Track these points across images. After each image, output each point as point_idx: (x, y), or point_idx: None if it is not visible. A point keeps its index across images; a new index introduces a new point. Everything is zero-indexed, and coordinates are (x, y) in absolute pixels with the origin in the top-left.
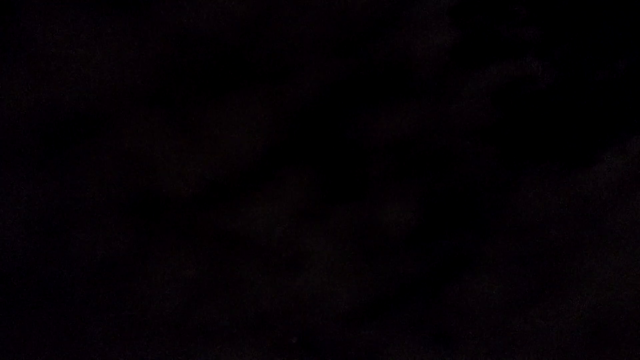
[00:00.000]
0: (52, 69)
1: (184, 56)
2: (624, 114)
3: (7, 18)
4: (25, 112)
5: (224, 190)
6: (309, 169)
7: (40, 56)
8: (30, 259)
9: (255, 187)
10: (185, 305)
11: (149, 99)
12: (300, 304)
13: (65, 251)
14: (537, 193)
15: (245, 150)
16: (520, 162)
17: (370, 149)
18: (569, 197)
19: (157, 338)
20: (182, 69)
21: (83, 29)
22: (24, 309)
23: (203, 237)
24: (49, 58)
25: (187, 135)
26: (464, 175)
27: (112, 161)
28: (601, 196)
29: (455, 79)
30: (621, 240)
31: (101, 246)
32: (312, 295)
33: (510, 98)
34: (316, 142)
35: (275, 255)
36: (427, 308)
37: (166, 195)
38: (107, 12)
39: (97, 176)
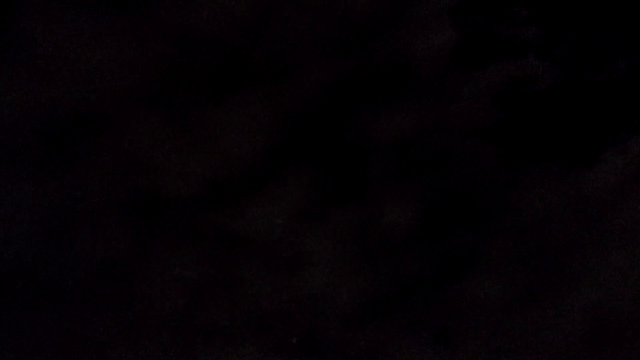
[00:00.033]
0: (52, 69)
1: (184, 56)
2: (624, 114)
3: (7, 18)
4: (25, 112)
5: (224, 190)
6: (309, 169)
7: (40, 56)
8: (31, 259)
9: (255, 187)
10: (186, 305)
11: (149, 99)
12: (301, 304)
13: (65, 251)
14: (537, 193)
15: (245, 150)
16: (520, 162)
17: (371, 149)
18: (569, 197)
19: (157, 338)
20: (182, 69)
21: (83, 29)
22: (24, 309)
23: (203, 237)
24: (49, 58)
25: (187, 135)
26: (464, 176)
27: (112, 161)
28: (601, 196)
29: (456, 79)
30: (621, 240)
31: (102, 246)
32: (312, 296)
33: (510, 98)
34: (316, 142)
35: (275, 255)
36: (427, 308)
37: (166, 195)
38: (107, 12)
39: (97, 176)
